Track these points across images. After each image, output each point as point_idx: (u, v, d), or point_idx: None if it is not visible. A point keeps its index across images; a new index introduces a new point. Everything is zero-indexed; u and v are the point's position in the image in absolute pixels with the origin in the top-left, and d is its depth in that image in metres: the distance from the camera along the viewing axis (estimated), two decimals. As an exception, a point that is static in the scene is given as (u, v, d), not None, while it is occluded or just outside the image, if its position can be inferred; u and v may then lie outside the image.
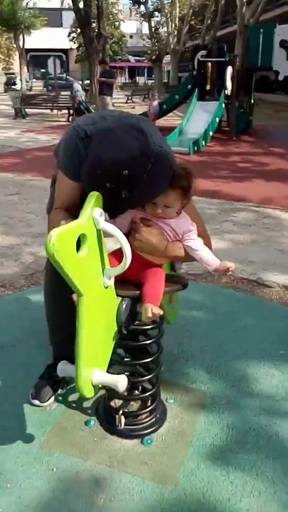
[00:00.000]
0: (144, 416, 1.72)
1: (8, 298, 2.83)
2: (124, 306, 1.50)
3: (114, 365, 1.63)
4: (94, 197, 1.28)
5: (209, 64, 9.29)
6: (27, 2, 31.10)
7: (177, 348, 2.22)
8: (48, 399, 1.85)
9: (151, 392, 1.71)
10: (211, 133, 8.50)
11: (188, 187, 1.51)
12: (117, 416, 1.67)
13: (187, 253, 1.57)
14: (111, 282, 1.40)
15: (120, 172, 1.31)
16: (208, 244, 1.61)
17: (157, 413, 1.75)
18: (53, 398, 1.86)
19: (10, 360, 2.14)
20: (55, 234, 1.08)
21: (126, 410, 1.72)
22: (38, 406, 1.82)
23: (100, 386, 1.40)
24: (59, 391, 1.91)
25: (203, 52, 9.66)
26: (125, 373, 1.65)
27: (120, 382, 1.36)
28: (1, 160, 7.70)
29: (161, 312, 1.47)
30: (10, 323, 2.48)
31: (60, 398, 1.89)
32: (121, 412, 1.67)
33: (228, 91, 8.71)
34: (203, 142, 8.26)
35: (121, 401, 1.76)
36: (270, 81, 17.62)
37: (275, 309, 2.67)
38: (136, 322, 1.59)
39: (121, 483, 1.50)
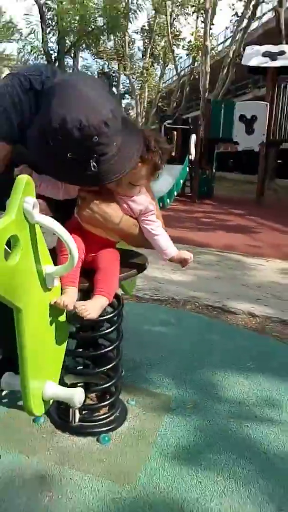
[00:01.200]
0: (101, 412, 1.51)
1: None
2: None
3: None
4: (22, 183, 0.97)
5: (175, 131, 9.86)
6: (6, 74, 32.69)
7: (140, 356, 2.04)
8: (-9, 397, 1.60)
9: (110, 383, 1.52)
10: (175, 193, 8.78)
11: (160, 164, 1.32)
12: (70, 410, 1.46)
13: (141, 235, 1.41)
14: (56, 283, 1.18)
15: (88, 138, 1.08)
16: None
17: (116, 410, 1.54)
18: (-4, 397, 1.62)
19: None
20: None
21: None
22: (-23, 404, 1.58)
23: (51, 401, 1.23)
24: (6, 392, 1.67)
25: (170, 121, 10.29)
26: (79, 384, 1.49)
27: (77, 396, 1.20)
28: None
29: (108, 302, 1.29)
30: None
31: (7, 398, 1.65)
32: (76, 405, 1.46)
33: (192, 156, 9.15)
34: (168, 200, 8.49)
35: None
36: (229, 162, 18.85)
37: (242, 331, 2.56)
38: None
39: (71, 481, 1.27)
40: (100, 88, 1.17)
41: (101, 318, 1.37)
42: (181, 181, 9.02)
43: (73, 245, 1.08)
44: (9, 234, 0.94)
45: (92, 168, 1.13)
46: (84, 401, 1.52)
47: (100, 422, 1.49)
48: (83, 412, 1.49)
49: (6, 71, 29.02)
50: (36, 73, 1.28)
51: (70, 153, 1.11)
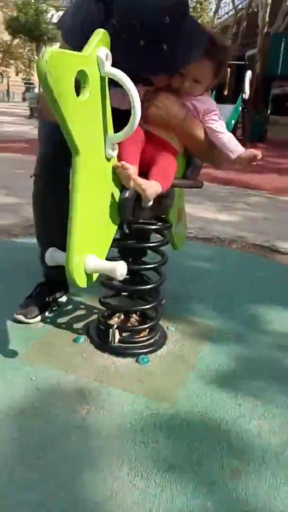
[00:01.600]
0: (141, 334, 1.50)
1: (1, 241, 2.64)
2: (127, 194, 1.25)
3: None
4: (99, 34, 1.03)
5: (228, 68, 9.27)
6: (52, 15, 31.82)
7: (182, 289, 2.00)
8: (35, 317, 1.63)
9: (151, 304, 1.50)
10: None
11: (224, 62, 1.32)
12: (110, 331, 1.45)
13: (205, 137, 1.36)
14: (115, 153, 1.17)
15: (162, 19, 1.10)
16: None
17: (156, 334, 1.53)
18: (39, 317, 1.65)
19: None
20: (49, 51, 0.87)
21: (121, 326, 1.50)
22: (22, 322, 1.61)
23: (95, 277, 1.18)
24: (49, 312, 1.69)
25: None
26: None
27: (119, 268, 1.14)
28: (13, 145, 7.92)
29: (160, 190, 1.23)
30: None
31: (49, 318, 1.68)
32: (115, 326, 1.46)
33: (246, 95, 8.63)
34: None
35: (116, 318, 1.55)
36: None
37: (289, 269, 2.45)
38: (141, 221, 1.39)
39: (109, 396, 1.27)
40: None
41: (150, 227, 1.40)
42: (233, 122, 8.58)
43: (138, 101, 1.06)
44: (81, 66, 0.97)
45: (165, 48, 1.13)
46: (124, 323, 1.54)
47: (139, 344, 1.48)
48: (123, 334, 1.49)
49: (52, 11, 28.26)
50: None
51: (142, 39, 1.12)
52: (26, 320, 1.61)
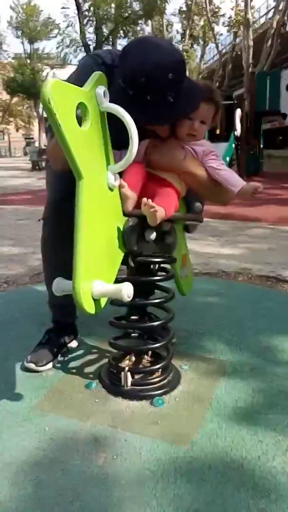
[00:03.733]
0: (154, 375, 1.47)
1: (10, 290, 2.65)
2: (130, 223, 1.29)
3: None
4: (96, 76, 1.14)
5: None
6: (47, 73, 33.39)
7: (192, 325, 1.98)
8: (45, 364, 1.61)
9: (162, 343, 1.48)
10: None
11: (220, 106, 1.46)
12: (122, 373, 1.43)
13: (207, 176, 1.42)
14: (117, 183, 1.23)
15: (165, 75, 1.22)
16: None
17: (169, 374, 1.50)
18: (51, 364, 1.63)
19: (5, 335, 1.92)
20: (51, 81, 0.94)
21: (133, 368, 1.47)
22: (33, 370, 1.59)
23: (103, 303, 1.16)
24: (59, 359, 1.67)
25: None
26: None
27: (124, 289, 1.13)
28: (16, 197, 8.16)
29: (163, 214, 1.27)
30: (9, 307, 2.28)
31: (59, 365, 1.66)
32: (127, 369, 1.44)
33: (238, 132, 8.88)
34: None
35: (127, 361, 1.52)
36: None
37: (298, 298, 2.42)
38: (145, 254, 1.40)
39: (125, 443, 1.23)
40: (168, 43, 1.39)
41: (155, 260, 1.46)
42: (228, 158, 8.79)
43: (135, 131, 1.13)
44: (80, 98, 1.05)
45: (171, 99, 1.25)
46: (136, 365, 1.51)
47: (153, 386, 1.45)
48: (135, 376, 1.46)
49: (47, 70, 29.66)
50: (106, 52, 1.48)
51: (149, 95, 1.24)
52: (37, 368, 1.59)
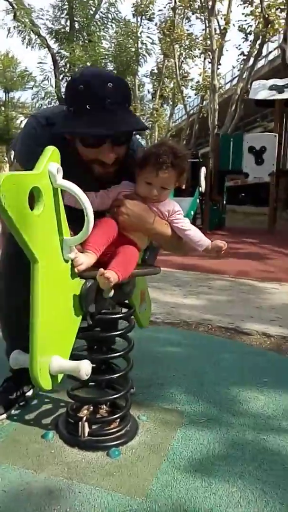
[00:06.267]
0: (111, 425, 1.47)
1: None
2: (88, 286, 1.31)
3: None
4: (50, 151, 1.14)
5: (184, 165, 10.04)
6: (21, 121, 34.15)
7: (151, 375, 2.00)
8: (1, 414, 1.58)
9: (120, 393, 1.49)
10: (186, 225, 8.83)
11: (184, 170, 1.46)
12: (80, 423, 1.43)
13: (172, 233, 1.49)
14: (73, 255, 1.24)
15: (104, 82, 1.26)
16: None
17: (126, 425, 1.50)
18: (5, 415, 1.60)
19: None
20: (2, 176, 0.94)
21: (90, 418, 1.47)
22: (-13, 420, 1.55)
23: (59, 378, 1.21)
24: (16, 407, 1.64)
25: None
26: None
27: (82, 367, 1.18)
28: None
29: (117, 279, 1.27)
30: None
31: (16, 413, 1.63)
32: (84, 419, 1.43)
33: (202, 188, 9.26)
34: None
35: (85, 411, 1.52)
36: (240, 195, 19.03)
37: (256, 350, 2.50)
38: (104, 311, 1.44)
39: (80, 494, 1.22)
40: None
41: (113, 316, 1.47)
42: (192, 212, 9.10)
43: (90, 208, 1.15)
44: (33, 184, 1.05)
45: (107, 105, 1.27)
46: (94, 415, 1.51)
47: (110, 436, 1.45)
48: (93, 426, 1.46)
49: (21, 118, 30.35)
50: (48, 111, 1.51)
51: (88, 104, 1.28)
52: (-9, 418, 1.55)
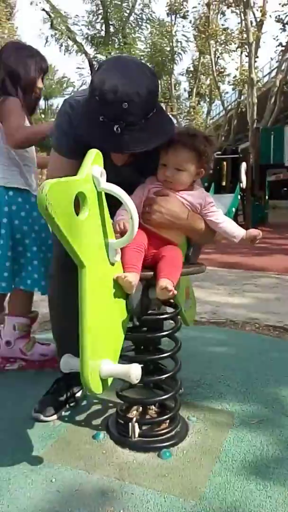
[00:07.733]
0: (161, 426, 1.47)
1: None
2: (135, 290, 1.30)
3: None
4: (93, 153, 1.13)
5: (224, 162, 9.90)
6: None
7: (199, 376, 1.97)
8: (52, 415, 1.60)
9: (169, 394, 1.48)
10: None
11: (204, 152, 1.39)
12: (130, 424, 1.43)
13: (206, 227, 1.46)
14: (118, 258, 1.25)
15: (119, 102, 1.18)
16: None
17: (176, 426, 1.49)
18: (57, 415, 1.62)
19: (15, 382, 1.93)
20: (47, 184, 0.93)
21: (140, 419, 1.47)
22: (40, 421, 1.58)
23: (109, 381, 1.21)
24: (66, 407, 1.67)
25: (219, 152, 10.39)
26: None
27: (133, 371, 1.17)
28: None
29: (175, 293, 1.28)
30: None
31: (67, 414, 1.65)
32: (134, 420, 1.43)
33: (243, 184, 9.12)
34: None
35: (134, 411, 1.52)
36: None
37: (306, 349, 2.42)
38: (150, 312, 1.44)
39: (133, 496, 1.22)
40: (147, 70, 1.28)
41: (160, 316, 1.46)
42: (233, 209, 8.97)
43: (136, 214, 1.15)
44: (78, 189, 1.04)
45: (115, 131, 1.21)
46: (143, 416, 1.51)
47: (160, 437, 1.44)
48: (143, 427, 1.45)
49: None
50: (81, 94, 1.43)
51: (102, 116, 1.22)
52: (44, 419, 1.58)
